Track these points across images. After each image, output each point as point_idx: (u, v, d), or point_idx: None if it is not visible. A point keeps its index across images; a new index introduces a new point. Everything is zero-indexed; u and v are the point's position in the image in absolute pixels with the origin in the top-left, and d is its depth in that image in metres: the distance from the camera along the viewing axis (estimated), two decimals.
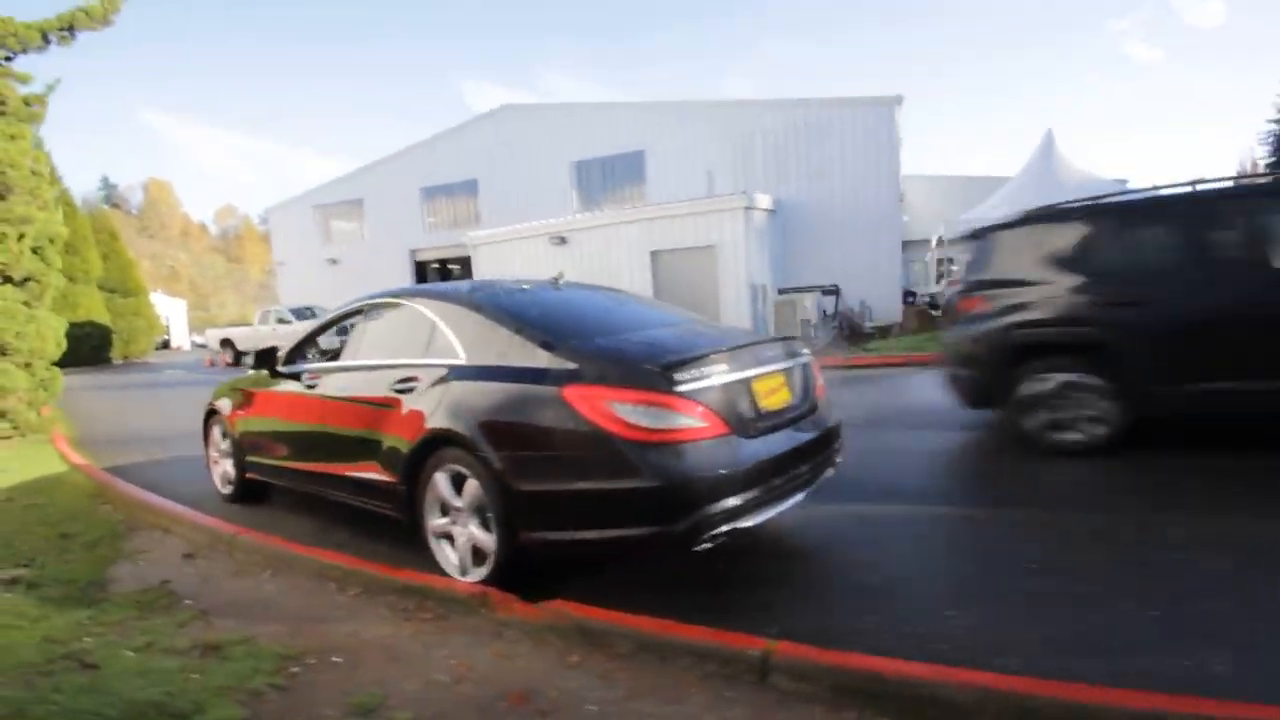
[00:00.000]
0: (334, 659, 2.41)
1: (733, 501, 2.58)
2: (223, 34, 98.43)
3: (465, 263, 27.98)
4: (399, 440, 3.25)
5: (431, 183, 22.98)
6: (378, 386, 3.45)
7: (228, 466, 4.93)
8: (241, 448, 4.66)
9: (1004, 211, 18.55)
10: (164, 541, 4.06)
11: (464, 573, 3.04)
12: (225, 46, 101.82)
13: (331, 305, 23.12)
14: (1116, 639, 2.24)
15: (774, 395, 3.00)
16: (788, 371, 3.15)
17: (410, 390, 3.25)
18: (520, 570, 2.87)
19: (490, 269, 18.56)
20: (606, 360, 2.73)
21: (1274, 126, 43.87)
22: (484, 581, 2.89)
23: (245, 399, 4.63)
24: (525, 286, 3.68)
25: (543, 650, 2.39)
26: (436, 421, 3.04)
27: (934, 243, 22.67)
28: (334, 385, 3.76)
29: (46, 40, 7.30)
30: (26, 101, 7.40)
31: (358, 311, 4.04)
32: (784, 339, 3.30)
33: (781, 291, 16.45)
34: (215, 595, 3.15)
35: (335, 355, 4.50)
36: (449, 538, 3.14)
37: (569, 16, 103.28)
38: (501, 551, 2.84)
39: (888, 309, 17.33)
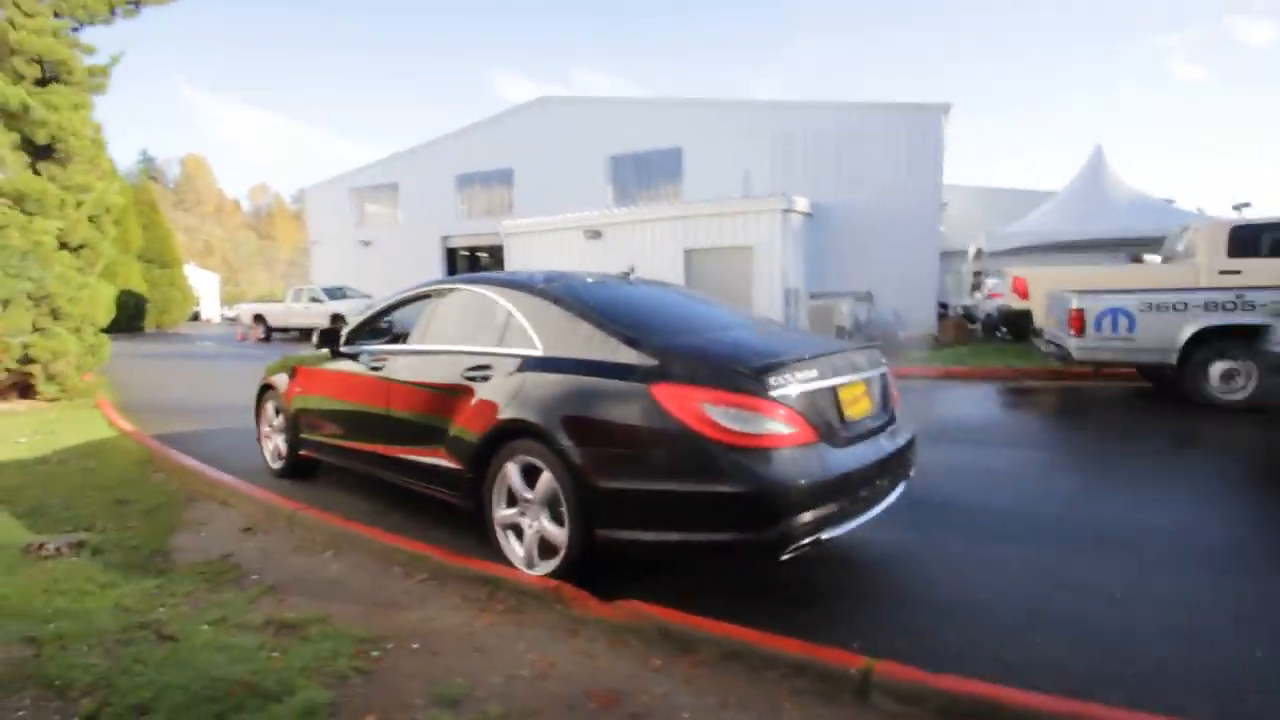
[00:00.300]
0: (412, 645, 2.38)
1: (820, 511, 2.51)
2: (257, 11, 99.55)
3: (496, 251, 28.12)
4: (468, 428, 3.22)
5: (466, 170, 23.05)
6: (448, 372, 3.42)
7: (279, 442, 4.95)
8: (297, 424, 4.67)
9: (1052, 226, 18.17)
10: (221, 513, 4.07)
11: (530, 565, 3.00)
12: (261, 26, 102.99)
13: (363, 286, 23.39)
14: None
15: (857, 404, 2.92)
16: (869, 381, 3.06)
17: (483, 378, 3.21)
18: (590, 567, 2.82)
19: (523, 259, 18.59)
20: (696, 359, 2.66)
21: None
22: (551, 575, 2.85)
23: (304, 376, 4.64)
24: (600, 280, 3.63)
25: (622, 651, 2.34)
26: (511, 412, 2.99)
27: (972, 254, 22.31)
28: (401, 368, 3.74)
29: (113, 12, 7.39)
30: (91, 72, 7.50)
31: (425, 295, 4.01)
32: (866, 346, 3.21)
33: (813, 296, 16.27)
34: (280, 571, 3.14)
35: (398, 338, 4.49)
36: (515, 529, 3.11)
37: (600, 6, 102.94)
38: (574, 547, 2.79)
39: (922, 319, 17.06)
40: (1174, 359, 6.52)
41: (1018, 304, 11.12)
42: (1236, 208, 21.50)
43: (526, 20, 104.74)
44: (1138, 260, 18.88)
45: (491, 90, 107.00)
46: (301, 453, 4.73)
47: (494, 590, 2.77)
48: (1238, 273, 8.74)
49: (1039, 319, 10.41)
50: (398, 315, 4.75)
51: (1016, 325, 12.30)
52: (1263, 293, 6.24)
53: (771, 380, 2.55)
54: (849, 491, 2.65)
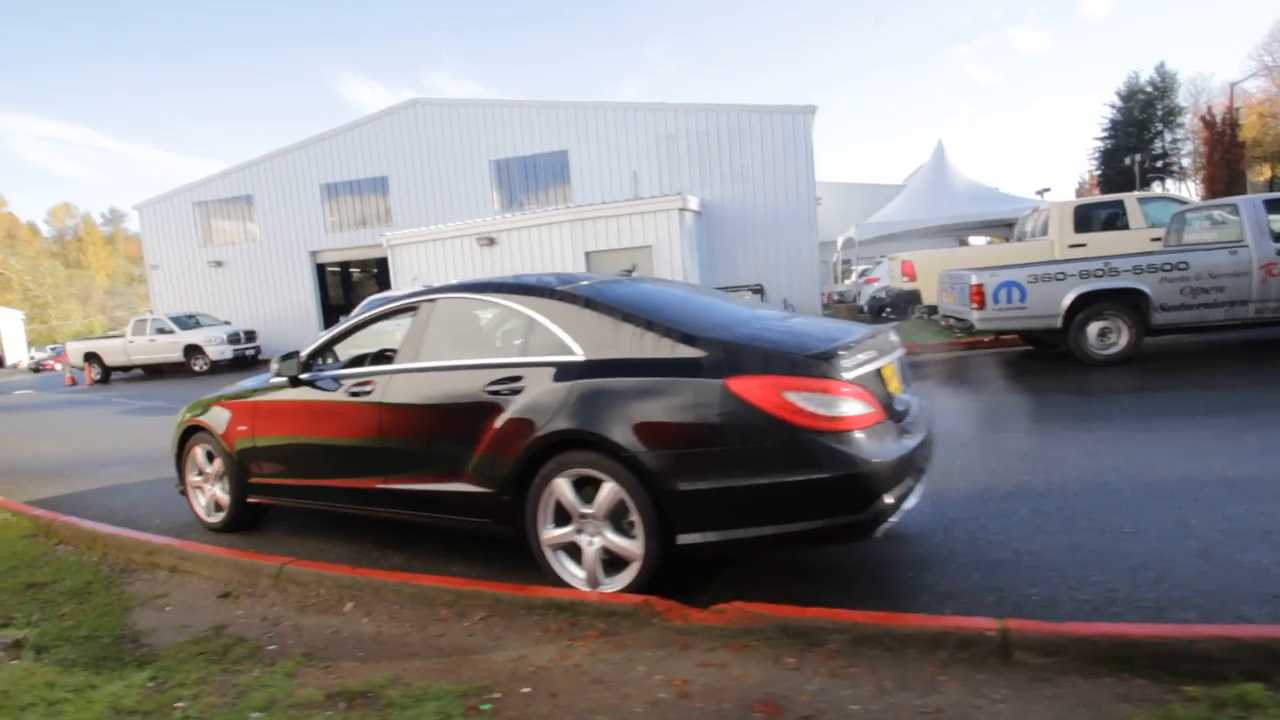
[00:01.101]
0: (522, 689, 2.14)
1: (902, 486, 2.58)
2: (50, 15, 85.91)
3: (376, 265, 26.37)
4: (500, 446, 2.96)
5: (334, 179, 21.37)
6: (464, 389, 3.13)
7: (217, 492, 4.31)
8: (244, 469, 4.08)
9: (907, 215, 20.03)
10: (178, 582, 3.45)
11: (593, 584, 2.82)
12: (55, 31, 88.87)
13: (218, 312, 20.96)
14: None
15: (893, 382, 3.03)
16: (897, 361, 3.19)
17: (512, 392, 2.97)
18: (669, 576, 2.70)
19: (410, 271, 17.53)
20: (764, 349, 2.63)
21: (1100, 144, 50.38)
22: (626, 590, 2.70)
23: (250, 412, 4.05)
24: (612, 279, 3.49)
25: (748, 655, 2.25)
26: (559, 423, 2.79)
27: (840, 244, 24.12)
28: (397, 390, 3.36)
29: None
30: None
31: (408, 308, 3.65)
32: (891, 327, 3.34)
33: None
34: (301, 636, 2.71)
35: (362, 360, 4.04)
36: (568, 549, 2.91)
37: (451, 14, 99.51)
38: (651, 557, 2.66)
39: (808, 306, 18.17)
40: (1059, 323, 7.41)
41: (906, 285, 12.17)
42: (1039, 192, 25.06)
43: (369, 30, 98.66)
44: (964, 243, 21.47)
45: (336, 96, 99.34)
46: (252, 500, 4.15)
47: (573, 616, 2.57)
48: (1084, 245, 10.17)
49: (929, 297, 11.46)
50: (361, 336, 4.29)
51: (902, 305, 13.47)
52: (1124, 259, 7.27)
53: (842, 363, 2.57)
54: (915, 464, 2.75)
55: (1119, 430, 4.93)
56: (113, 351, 18.52)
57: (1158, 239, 9.72)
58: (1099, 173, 49.58)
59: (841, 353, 2.60)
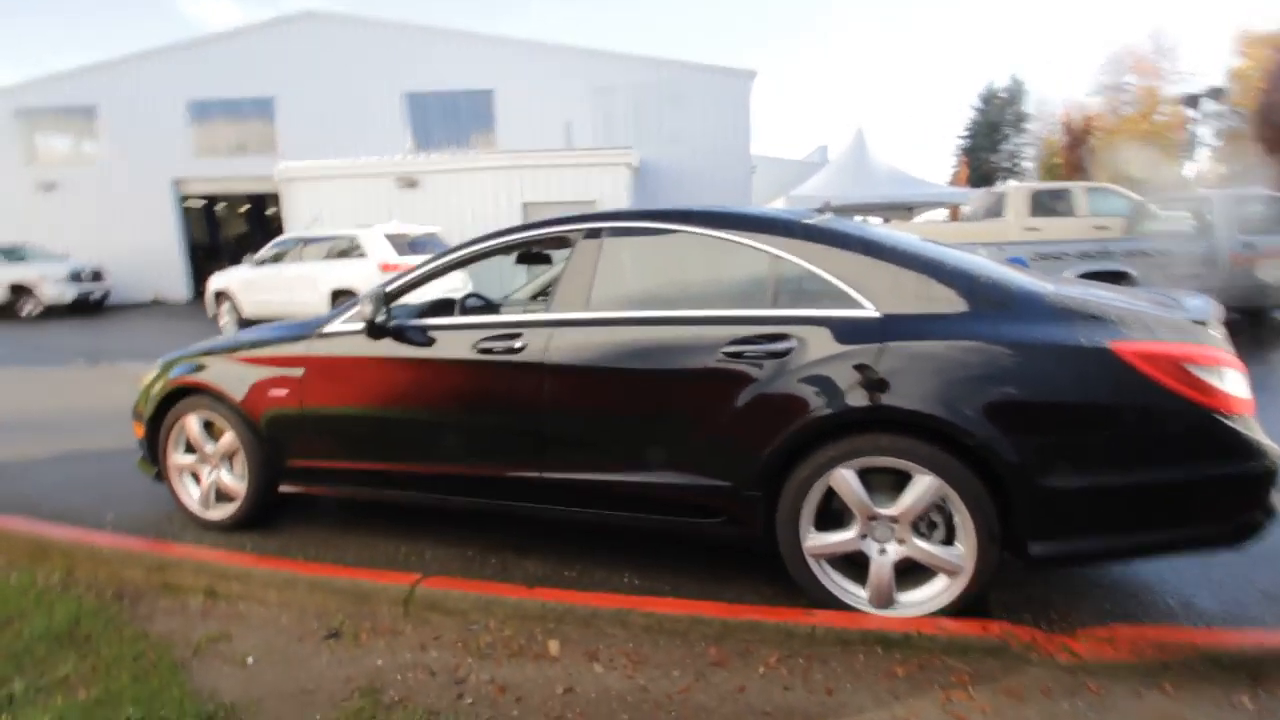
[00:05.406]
0: None
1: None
2: None
3: (249, 201, 22.96)
4: (751, 426, 2.26)
5: (205, 95, 18.02)
6: (685, 350, 2.35)
7: (224, 476, 3.16)
8: (279, 446, 2.99)
9: (830, 192, 20.60)
10: (229, 614, 2.37)
11: (884, 604, 2.21)
12: None
13: (50, 243, 17.24)
14: None
15: None
16: None
17: (770, 355, 2.25)
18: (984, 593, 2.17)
19: (311, 211, 15.20)
20: (1139, 312, 2.12)
21: (962, 141, 54.88)
22: (936, 614, 2.14)
23: (297, 371, 2.94)
24: (833, 217, 2.82)
25: (1191, 698, 1.77)
26: (856, 397, 2.13)
27: None
28: (568, 348, 2.48)
29: None
30: None
31: (557, 238, 2.74)
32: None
33: None
34: (524, 701, 1.85)
35: (446, 309, 3.07)
36: (837, 560, 2.28)
37: None
38: (983, 572, 2.10)
39: None
40: None
41: None
42: None
43: None
44: (888, 222, 22.63)
45: (180, 15, 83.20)
46: (287, 488, 3.08)
47: (915, 655, 1.95)
48: (1037, 229, 10.69)
49: None
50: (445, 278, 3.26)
51: None
52: (1118, 244, 7.60)
53: (1217, 333, 2.14)
54: None
55: None
56: None
57: (1099, 226, 10.43)
58: (960, 169, 54.60)
59: (1208, 320, 2.16)
